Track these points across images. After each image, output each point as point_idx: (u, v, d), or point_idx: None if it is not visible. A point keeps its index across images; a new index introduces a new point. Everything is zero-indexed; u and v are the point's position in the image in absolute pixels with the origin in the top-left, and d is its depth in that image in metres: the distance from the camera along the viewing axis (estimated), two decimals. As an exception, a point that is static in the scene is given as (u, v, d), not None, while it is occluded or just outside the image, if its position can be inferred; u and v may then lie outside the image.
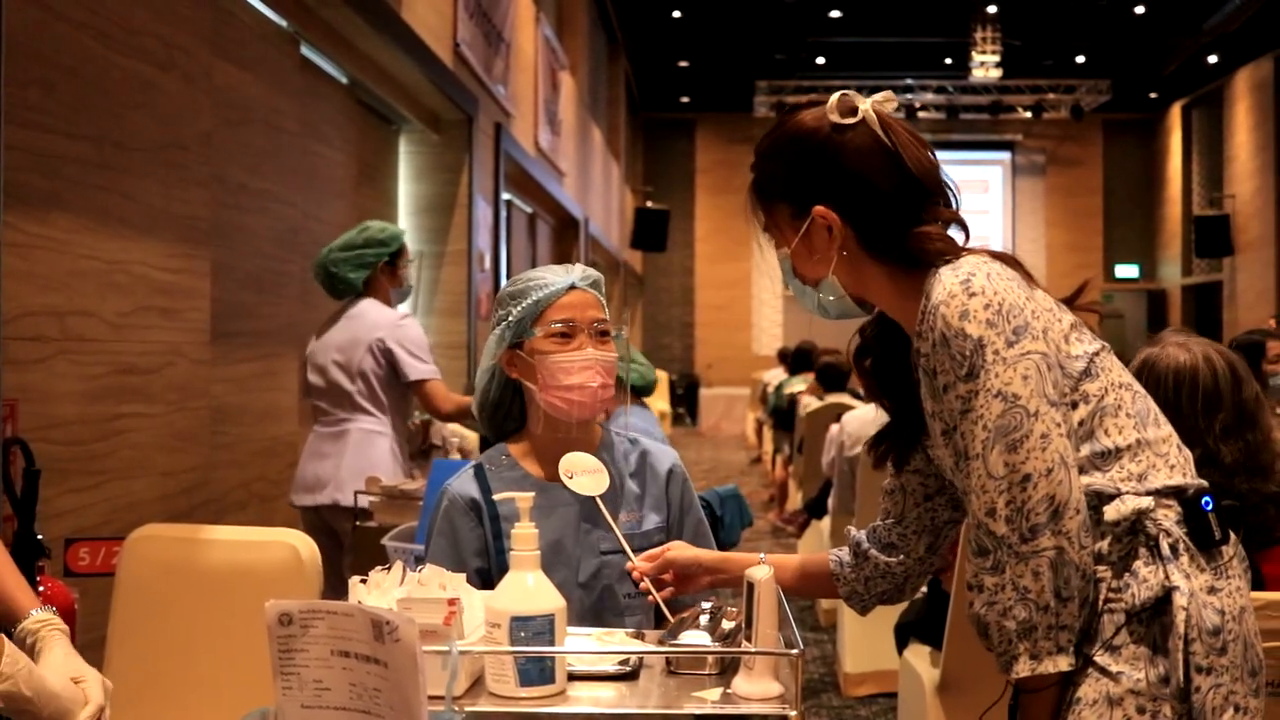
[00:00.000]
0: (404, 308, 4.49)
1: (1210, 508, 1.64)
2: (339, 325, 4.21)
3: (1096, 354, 1.68)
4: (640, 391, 4.37)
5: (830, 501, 6.30)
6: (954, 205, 1.79)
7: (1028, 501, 1.54)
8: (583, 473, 2.07)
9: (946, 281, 1.63)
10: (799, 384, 10.23)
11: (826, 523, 6.52)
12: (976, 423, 1.58)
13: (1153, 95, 22.00)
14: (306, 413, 4.42)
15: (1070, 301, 1.76)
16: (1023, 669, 1.58)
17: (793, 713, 1.52)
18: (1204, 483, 1.68)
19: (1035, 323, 1.61)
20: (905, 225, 1.73)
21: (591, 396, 2.18)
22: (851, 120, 1.76)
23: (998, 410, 1.56)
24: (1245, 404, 2.41)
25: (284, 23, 4.92)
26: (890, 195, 1.73)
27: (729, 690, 1.59)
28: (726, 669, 1.67)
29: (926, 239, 1.72)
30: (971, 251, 1.72)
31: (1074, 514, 1.55)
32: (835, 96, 1.77)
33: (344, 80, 6.00)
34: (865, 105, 1.77)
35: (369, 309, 4.22)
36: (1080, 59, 19.91)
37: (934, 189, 1.76)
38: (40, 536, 2.51)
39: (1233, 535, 1.68)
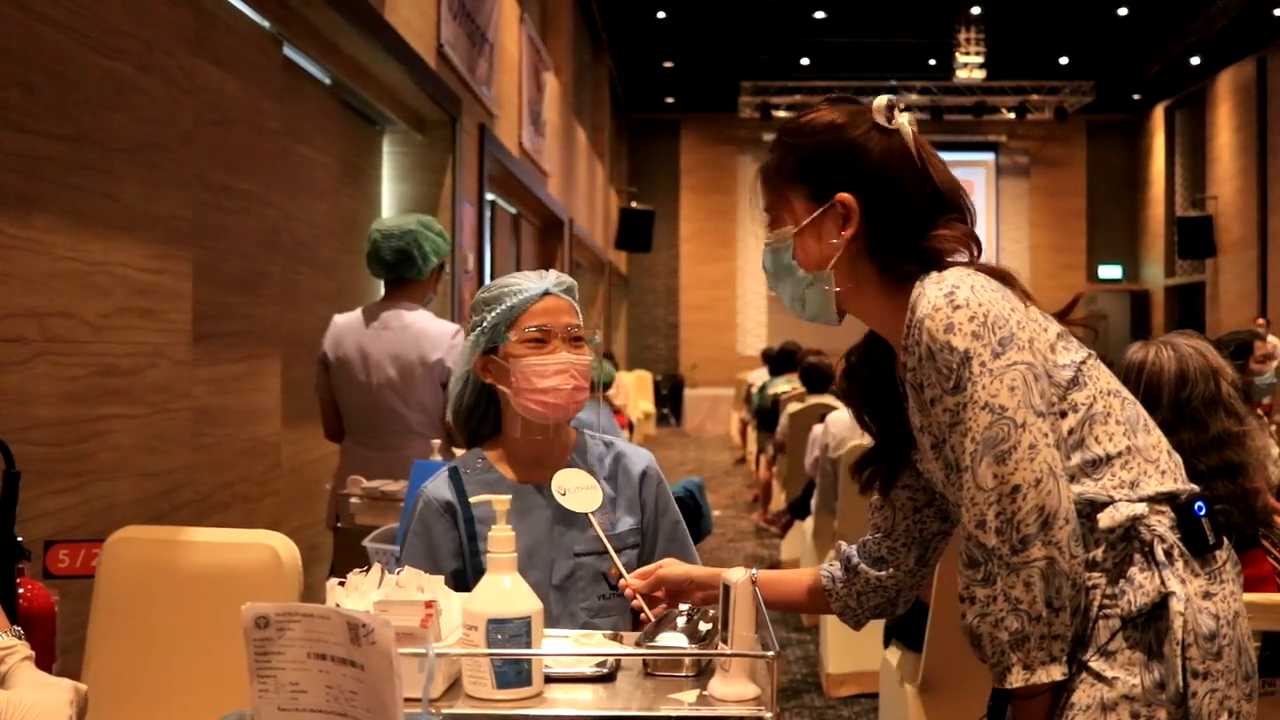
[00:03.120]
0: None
1: (1203, 513, 1.65)
2: (390, 334, 4.00)
3: (1084, 362, 1.69)
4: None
5: (813, 502, 6.32)
6: (970, 223, 1.81)
7: (1017, 513, 1.55)
8: (576, 489, 2.12)
9: (930, 295, 1.64)
10: (782, 384, 10.23)
11: (810, 523, 6.54)
12: (965, 435, 1.59)
13: (1136, 96, 22.09)
14: (331, 419, 4.22)
15: (1062, 316, 1.77)
16: (1016, 679, 1.58)
17: (769, 714, 1.53)
18: (1195, 488, 1.68)
19: (1021, 333, 1.61)
20: (920, 232, 1.75)
21: (565, 399, 2.20)
22: (892, 126, 1.78)
23: (985, 422, 1.57)
24: (1187, 404, 2.41)
25: (266, 23, 4.91)
26: (911, 203, 1.75)
27: (705, 692, 1.59)
28: (703, 671, 1.67)
29: (942, 240, 1.75)
30: (955, 264, 1.73)
31: (1064, 524, 1.56)
32: (883, 99, 1.79)
33: (327, 81, 5.99)
34: (903, 119, 1.80)
35: (421, 321, 4.01)
36: (1064, 60, 19.97)
37: (954, 205, 1.79)
38: (20, 539, 2.50)
39: (1225, 540, 1.69)
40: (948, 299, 1.62)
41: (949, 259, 1.74)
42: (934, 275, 1.70)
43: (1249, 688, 1.64)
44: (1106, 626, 1.62)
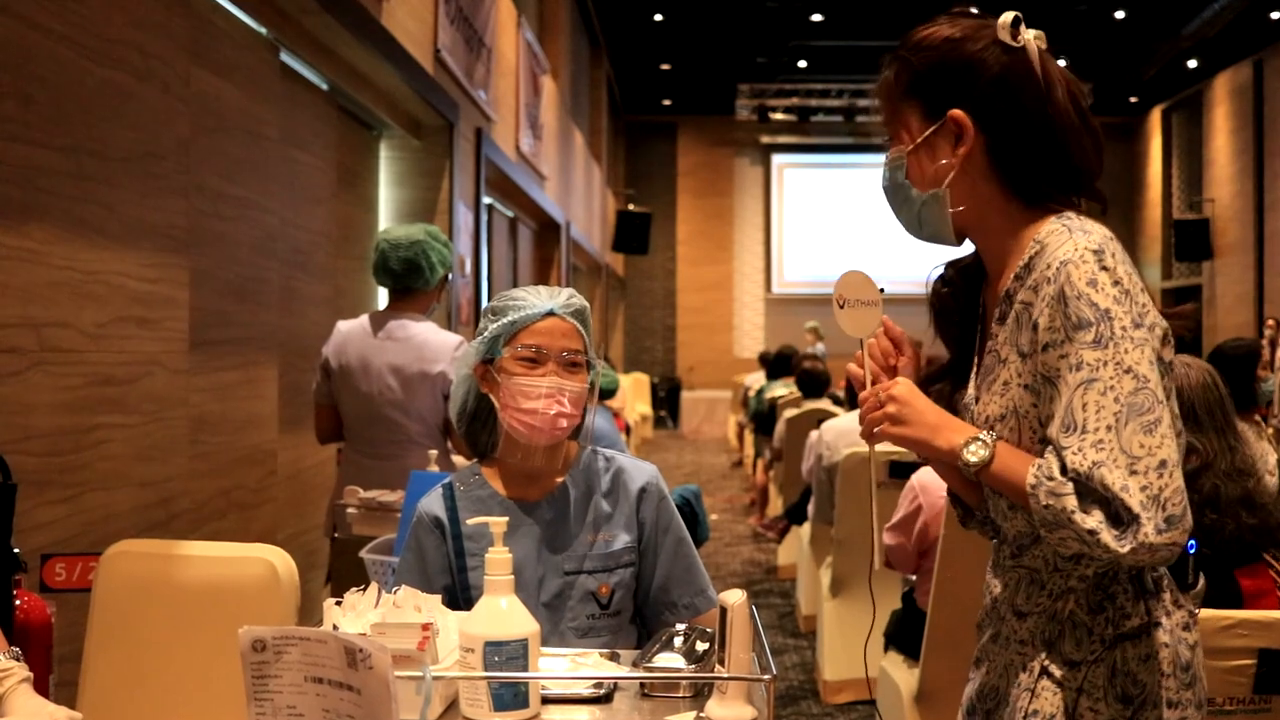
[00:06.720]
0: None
1: (1193, 551, 1.65)
2: (393, 345, 3.99)
3: (1171, 371, 1.65)
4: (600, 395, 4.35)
5: (810, 508, 6.32)
6: (1094, 163, 1.74)
7: (1165, 489, 1.47)
8: (855, 302, 1.81)
9: (1079, 242, 1.59)
10: (779, 388, 10.23)
11: (807, 529, 6.54)
12: (1106, 394, 1.50)
13: (1133, 99, 22.10)
14: (325, 424, 4.19)
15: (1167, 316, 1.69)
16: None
17: (766, 736, 1.53)
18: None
19: (1147, 317, 1.56)
20: (1040, 160, 1.70)
21: (547, 424, 2.19)
22: (1015, 45, 1.72)
23: (1130, 387, 1.50)
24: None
25: (263, 30, 4.90)
26: (1035, 123, 1.69)
27: (702, 714, 1.60)
28: (700, 692, 1.68)
29: (1054, 178, 1.70)
30: (1086, 215, 1.69)
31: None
32: (1009, 16, 1.72)
33: (324, 86, 5.98)
34: (1029, 35, 1.74)
35: (425, 332, 4.00)
36: (1061, 63, 19.90)
37: (1078, 139, 1.72)
38: (16, 550, 2.50)
39: (1201, 580, 1.71)
40: (1096, 256, 1.57)
41: (1059, 196, 1.69)
42: (1076, 219, 1.65)
43: (1202, 715, 1.66)
44: (1073, 636, 1.62)
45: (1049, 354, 1.57)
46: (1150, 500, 1.46)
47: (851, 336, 1.81)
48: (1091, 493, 1.49)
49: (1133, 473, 1.47)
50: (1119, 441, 1.48)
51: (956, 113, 1.70)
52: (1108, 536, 1.47)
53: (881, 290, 1.79)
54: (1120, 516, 1.47)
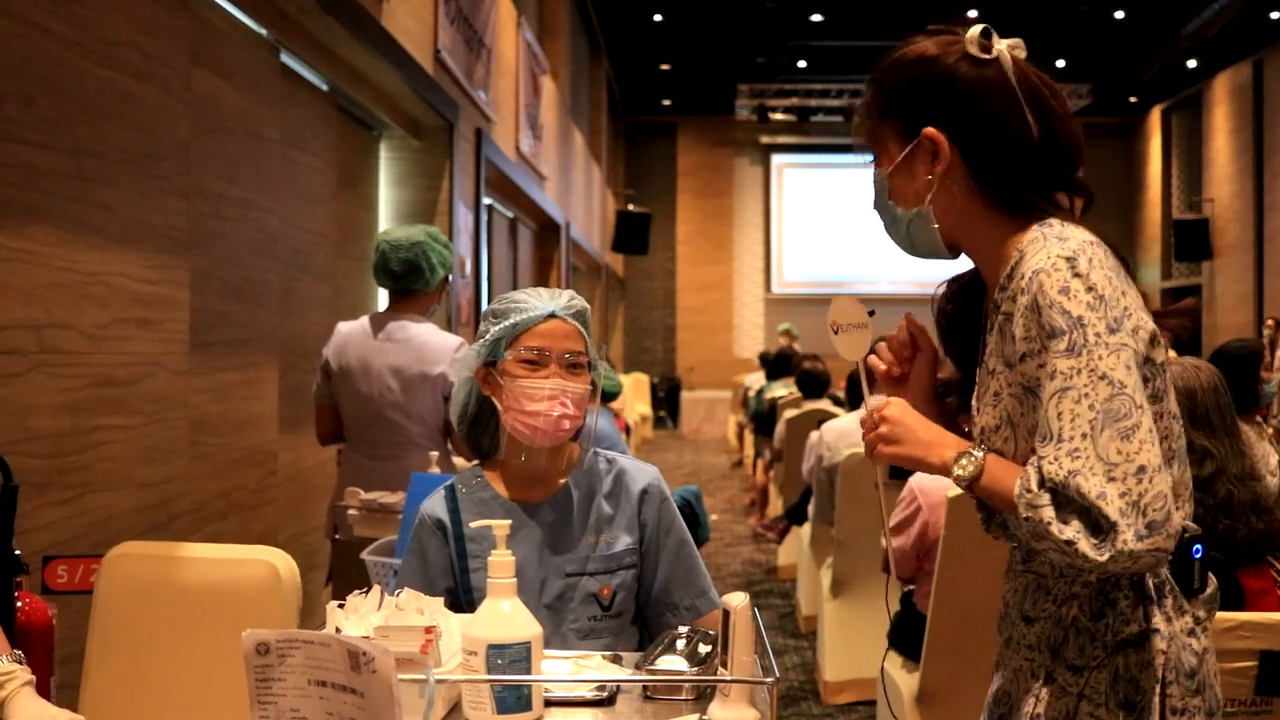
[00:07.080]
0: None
1: (1200, 555, 1.64)
2: (394, 346, 3.99)
3: (1165, 373, 1.63)
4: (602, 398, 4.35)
5: (810, 508, 6.32)
6: (1076, 166, 1.74)
7: (1144, 495, 1.45)
8: (849, 326, 1.85)
9: (1053, 251, 1.58)
10: (779, 389, 10.23)
11: (807, 529, 6.54)
12: (1080, 401, 1.49)
13: (1133, 99, 22.10)
14: (326, 425, 4.19)
15: (1158, 315, 1.68)
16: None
17: (769, 739, 1.53)
18: (1198, 529, 1.67)
19: (1128, 320, 1.55)
20: (1019, 169, 1.69)
21: (552, 425, 2.20)
22: (986, 56, 1.70)
23: (1105, 393, 1.49)
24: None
25: (264, 31, 4.91)
26: (1010, 132, 1.68)
27: (705, 716, 1.60)
28: (703, 694, 1.68)
29: (1036, 187, 1.69)
30: (1074, 220, 1.69)
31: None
32: (976, 29, 1.71)
33: (324, 87, 5.99)
34: (1001, 46, 1.72)
35: (426, 334, 4.00)
36: (1060, 63, 19.95)
37: (1057, 144, 1.71)
38: (18, 552, 2.50)
39: (1210, 585, 1.70)
40: (1069, 262, 1.56)
41: (1042, 204, 1.68)
42: (1057, 225, 1.64)
43: None
44: (1077, 642, 1.62)
45: (1027, 364, 1.57)
46: (1130, 507, 1.45)
47: (849, 360, 1.85)
48: (1070, 502, 1.48)
49: (1110, 479, 1.46)
50: (1095, 449, 1.47)
51: (930, 130, 1.71)
52: (1085, 545, 1.46)
53: (871, 313, 1.82)
54: (1099, 525, 1.46)
